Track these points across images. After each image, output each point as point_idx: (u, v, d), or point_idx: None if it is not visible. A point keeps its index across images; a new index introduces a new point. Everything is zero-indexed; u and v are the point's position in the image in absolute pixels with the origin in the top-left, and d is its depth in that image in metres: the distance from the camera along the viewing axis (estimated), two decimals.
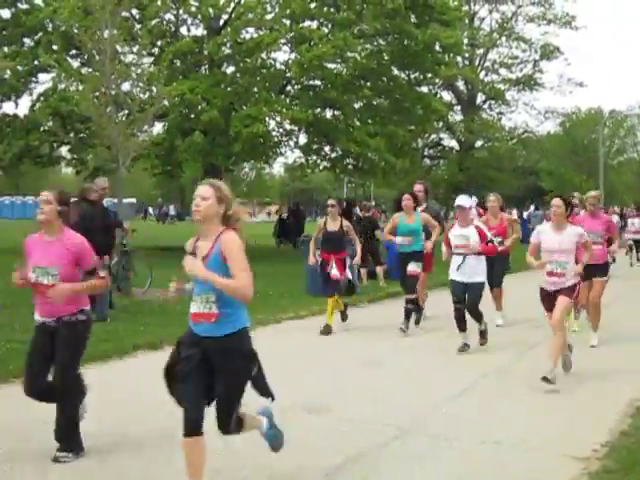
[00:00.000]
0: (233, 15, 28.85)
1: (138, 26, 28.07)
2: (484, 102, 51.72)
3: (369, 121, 30.97)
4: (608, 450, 6.47)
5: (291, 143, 32.09)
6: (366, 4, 28.36)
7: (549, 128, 69.88)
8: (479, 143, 50.01)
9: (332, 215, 13.22)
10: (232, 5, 28.77)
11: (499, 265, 13.34)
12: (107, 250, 13.40)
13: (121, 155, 17.17)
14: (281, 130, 30.88)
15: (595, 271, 11.53)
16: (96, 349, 10.42)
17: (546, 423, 7.37)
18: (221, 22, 29.79)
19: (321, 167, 33.69)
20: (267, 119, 28.18)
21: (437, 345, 11.69)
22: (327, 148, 32.41)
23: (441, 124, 45.77)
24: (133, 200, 76.54)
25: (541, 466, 6.15)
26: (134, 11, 28.40)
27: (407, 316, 12.47)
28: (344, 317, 13.19)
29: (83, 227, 12.94)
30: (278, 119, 29.36)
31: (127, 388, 8.67)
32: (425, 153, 51.32)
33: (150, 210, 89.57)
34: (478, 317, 11.11)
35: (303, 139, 32.07)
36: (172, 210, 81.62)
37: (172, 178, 41.53)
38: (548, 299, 9.14)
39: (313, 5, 29.26)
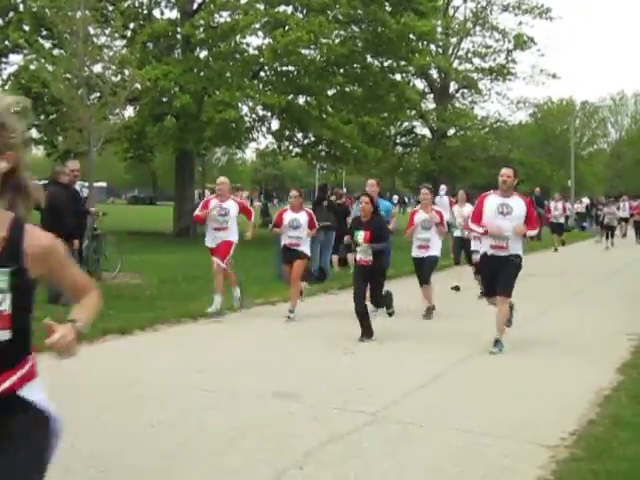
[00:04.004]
0: None
1: (111, 8, 27.81)
2: (457, 91, 51.81)
3: (342, 108, 30.96)
4: (576, 438, 6.52)
5: (263, 129, 32.07)
6: None
7: (521, 118, 70.20)
8: (451, 132, 50.09)
9: None
10: None
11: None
12: (78, 234, 13.31)
13: (92, 138, 17.02)
14: (254, 116, 30.81)
15: None
16: None
17: (516, 411, 7.42)
18: (195, 5, 29.64)
19: (293, 153, 33.67)
20: (240, 104, 28.09)
21: (408, 332, 11.72)
22: (300, 134, 32.38)
23: (414, 112, 45.81)
24: (103, 184, 76.23)
25: (510, 453, 6.18)
26: None
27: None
28: None
29: (54, 210, 12.91)
30: (251, 104, 29.28)
31: (96, 372, 8.61)
32: (397, 141, 51.34)
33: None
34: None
35: (275, 125, 32.05)
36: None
37: (143, 162, 41.28)
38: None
39: None
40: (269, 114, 30.82)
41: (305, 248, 13.00)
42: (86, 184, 17.49)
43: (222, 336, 11.16)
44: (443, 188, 26.55)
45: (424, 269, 13.59)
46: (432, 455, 6.13)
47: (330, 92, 31.37)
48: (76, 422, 6.76)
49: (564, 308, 14.84)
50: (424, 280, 13.56)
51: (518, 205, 10.63)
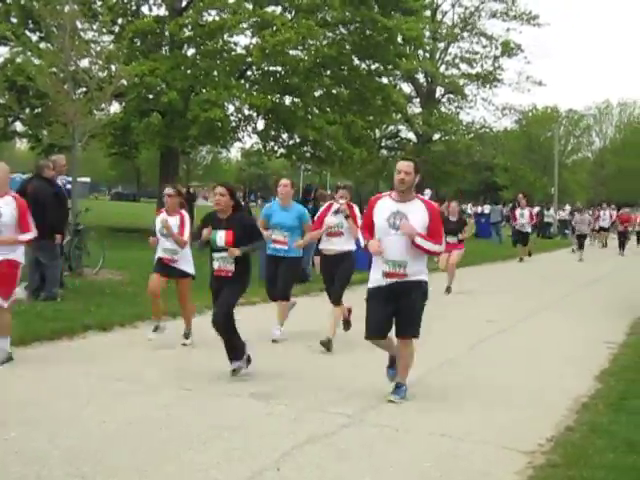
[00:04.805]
0: None
1: (99, 3, 27.73)
2: (443, 96, 51.91)
3: (328, 110, 30.96)
4: (553, 445, 6.55)
5: (249, 128, 32.00)
6: None
7: (506, 124, 70.43)
8: (437, 136, 50.19)
9: None
10: None
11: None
12: (60, 228, 13.26)
13: (77, 133, 16.96)
14: (239, 115, 30.77)
15: None
16: (45, 328, 10.33)
17: (494, 417, 7.44)
18: (183, 3, 29.59)
19: (278, 154, 33.64)
20: (226, 104, 28.05)
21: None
22: (285, 135, 32.37)
23: (399, 116, 45.89)
24: (87, 179, 76.00)
25: (487, 459, 6.21)
26: None
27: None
28: None
29: (37, 204, 12.85)
30: (237, 104, 29.24)
31: (76, 369, 8.58)
32: (382, 144, 51.40)
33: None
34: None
35: (261, 125, 32.02)
36: None
37: (127, 159, 41.18)
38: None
39: None
40: (255, 114, 30.79)
41: (185, 266, 10.32)
42: (69, 179, 17.40)
43: (203, 334, 11.12)
44: (428, 193, 26.60)
45: (337, 278, 10.98)
46: (409, 459, 6.14)
47: (316, 93, 31.37)
48: (54, 419, 6.75)
49: (544, 315, 14.89)
50: (335, 298, 10.96)
51: (417, 214, 7.63)
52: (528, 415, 7.53)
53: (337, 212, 10.91)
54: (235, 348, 8.56)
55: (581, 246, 30.93)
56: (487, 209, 47.04)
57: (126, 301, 12.87)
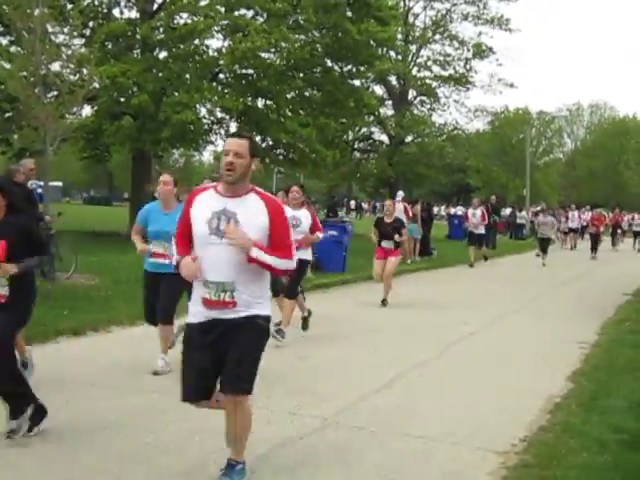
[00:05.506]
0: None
1: (70, 6, 27.55)
2: (415, 98, 52.05)
3: (301, 112, 30.99)
4: (526, 445, 6.60)
5: (222, 131, 31.94)
6: None
7: (478, 126, 70.79)
8: (409, 138, 50.32)
9: None
10: None
11: None
12: None
13: (49, 137, 16.86)
14: (212, 118, 30.72)
15: None
16: None
17: (467, 418, 7.47)
18: (155, 6, 29.50)
19: None
20: (198, 106, 28.00)
21: (362, 338, 11.77)
22: (258, 138, 32.34)
23: (372, 118, 45.99)
24: (59, 183, 75.46)
25: (461, 460, 6.24)
26: None
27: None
28: None
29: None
30: (209, 106, 29.19)
31: (48, 373, 8.53)
32: (355, 146, 51.53)
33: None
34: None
35: (234, 128, 31.94)
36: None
37: (99, 162, 40.90)
38: None
39: None
40: (227, 117, 30.75)
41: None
42: (41, 183, 17.30)
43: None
44: (400, 194, 26.63)
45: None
46: (383, 461, 6.15)
47: (289, 96, 31.39)
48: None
49: (516, 316, 14.97)
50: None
51: (252, 214, 5.29)
52: (501, 415, 7.57)
53: None
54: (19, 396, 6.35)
55: (544, 250, 28.38)
56: (460, 211, 47.33)
57: (99, 306, 12.81)
